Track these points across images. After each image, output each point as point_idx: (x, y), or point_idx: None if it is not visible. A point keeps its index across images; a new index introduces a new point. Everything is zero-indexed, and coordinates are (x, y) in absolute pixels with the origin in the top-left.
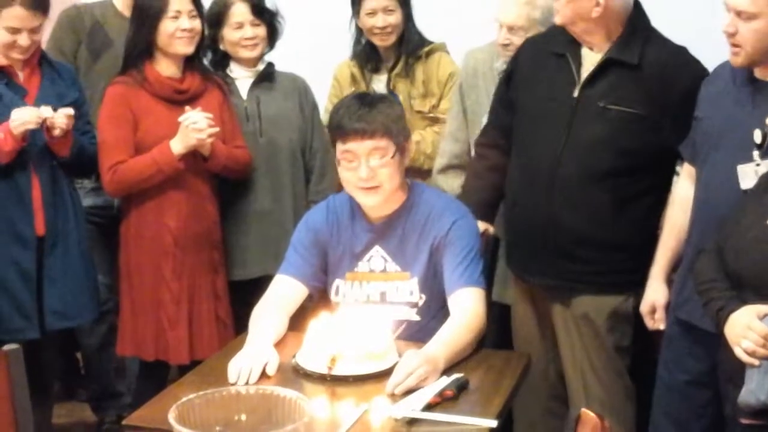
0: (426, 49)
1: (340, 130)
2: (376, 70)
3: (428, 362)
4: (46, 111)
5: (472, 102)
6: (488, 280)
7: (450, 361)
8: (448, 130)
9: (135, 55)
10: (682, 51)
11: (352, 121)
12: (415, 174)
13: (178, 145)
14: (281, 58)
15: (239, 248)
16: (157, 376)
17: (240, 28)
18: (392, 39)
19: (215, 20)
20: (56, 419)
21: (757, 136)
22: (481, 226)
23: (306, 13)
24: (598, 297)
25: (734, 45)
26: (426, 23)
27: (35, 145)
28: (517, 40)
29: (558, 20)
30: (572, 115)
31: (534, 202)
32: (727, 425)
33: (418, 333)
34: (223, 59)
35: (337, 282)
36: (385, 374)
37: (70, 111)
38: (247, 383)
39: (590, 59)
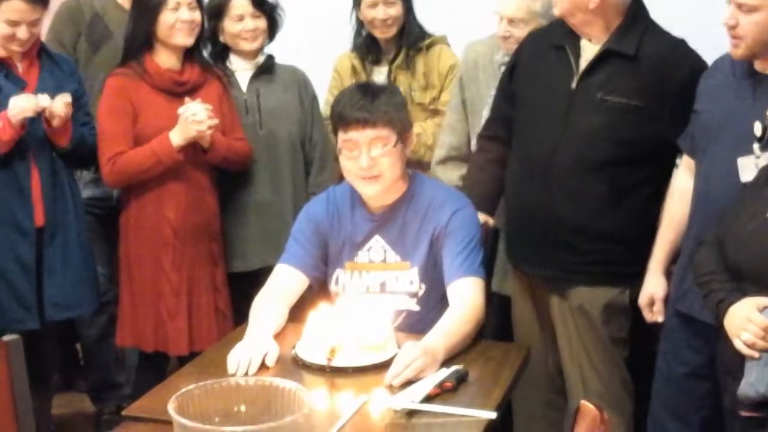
0: (427, 41)
1: (341, 119)
2: (377, 62)
3: (427, 354)
4: (43, 99)
5: (472, 94)
6: (488, 272)
7: (449, 352)
8: (447, 122)
9: (135, 47)
10: (680, 43)
11: (353, 110)
12: (415, 166)
13: (177, 137)
14: (281, 51)
15: (239, 240)
16: (156, 367)
17: (240, 20)
18: (393, 31)
19: (215, 12)
20: (55, 410)
21: (758, 128)
22: (482, 217)
23: (306, 5)
24: (594, 288)
25: (734, 37)
26: (426, 16)
27: (35, 136)
28: (518, 32)
29: (557, 11)
30: (570, 106)
31: (532, 193)
32: (725, 417)
33: (418, 323)
34: (222, 51)
35: (337, 272)
36: (385, 365)
37: (68, 98)
38: (246, 374)
39: (589, 51)
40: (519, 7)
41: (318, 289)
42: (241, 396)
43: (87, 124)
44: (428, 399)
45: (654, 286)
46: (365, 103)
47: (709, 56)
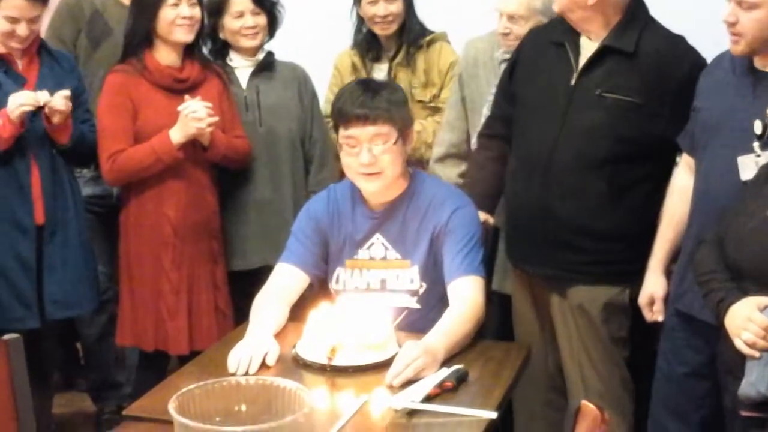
0: (427, 38)
1: (342, 115)
2: (377, 59)
3: (427, 353)
4: (42, 95)
5: (472, 91)
6: (488, 271)
7: (449, 351)
8: (446, 120)
9: (135, 44)
10: (679, 40)
11: (354, 107)
12: (416, 164)
13: (177, 134)
14: (281, 48)
15: (239, 238)
16: (156, 367)
17: (240, 17)
18: (393, 28)
19: (215, 9)
20: (56, 409)
21: (758, 127)
22: (482, 216)
23: (306, 2)
24: (593, 287)
25: (734, 34)
26: (426, 12)
27: (35, 133)
28: (518, 29)
29: (556, 7)
30: (569, 104)
31: (531, 190)
32: (726, 417)
33: (418, 322)
34: (222, 48)
35: (338, 270)
36: (385, 365)
37: (67, 93)
38: (247, 374)
39: (588, 48)
40: (519, 4)
41: (318, 288)
42: (241, 395)
43: (87, 122)
44: (429, 399)
45: (654, 285)
46: (366, 100)
47: (709, 53)
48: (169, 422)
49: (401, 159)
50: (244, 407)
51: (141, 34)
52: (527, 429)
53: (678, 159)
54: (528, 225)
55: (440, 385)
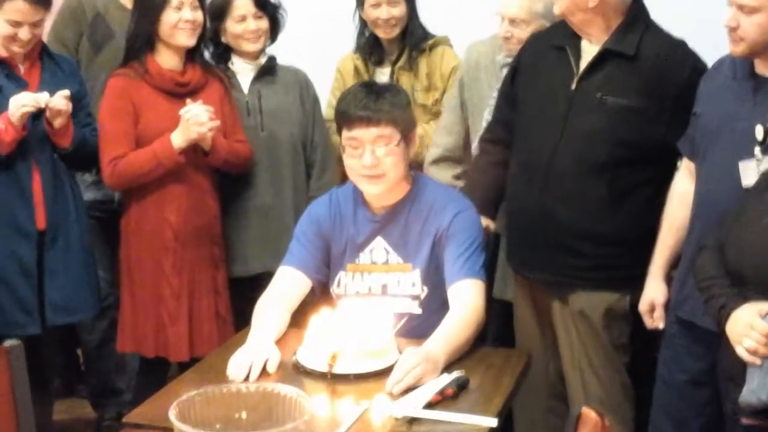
0: (429, 42)
1: (345, 117)
2: (380, 62)
3: (428, 360)
4: (42, 96)
5: (473, 95)
6: (489, 277)
7: (450, 358)
8: (443, 123)
9: (137, 47)
10: (680, 44)
11: (357, 109)
12: (418, 169)
13: (178, 139)
14: (283, 51)
15: (240, 243)
16: (157, 373)
17: (243, 21)
18: (396, 31)
19: (218, 13)
20: (56, 415)
21: (759, 132)
22: (483, 222)
23: (308, 6)
24: (594, 293)
25: (735, 39)
26: (428, 16)
27: (36, 138)
28: (519, 32)
29: (557, 10)
30: (569, 108)
31: (532, 195)
32: (726, 424)
33: (419, 326)
34: (224, 52)
35: (339, 274)
36: (386, 372)
37: (67, 92)
38: (246, 379)
39: (589, 52)
40: (521, 7)
41: (320, 294)
42: (242, 402)
43: (88, 125)
44: (429, 406)
45: (654, 291)
46: (369, 102)
47: (710, 56)
48: (170, 429)
49: (404, 161)
50: (244, 414)
51: (143, 38)
52: None
53: (679, 164)
54: (528, 229)
55: (441, 392)
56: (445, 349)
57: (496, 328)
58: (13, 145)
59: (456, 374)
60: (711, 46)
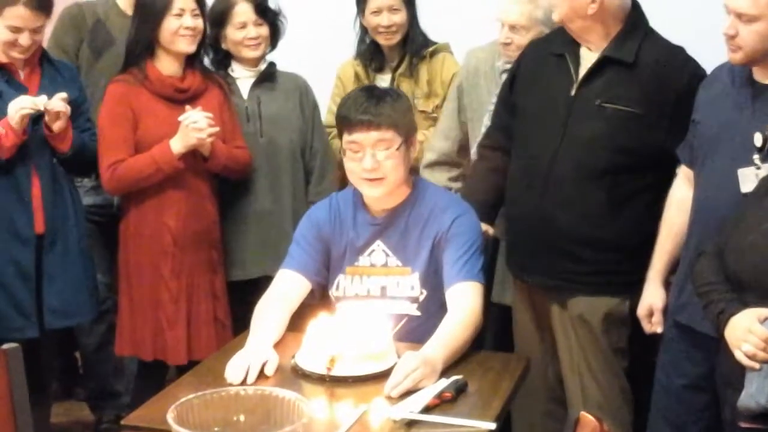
0: (430, 49)
1: (346, 121)
2: (380, 69)
3: (426, 364)
4: (41, 99)
5: (473, 101)
6: (487, 282)
7: (448, 361)
8: (440, 128)
9: (136, 53)
10: (679, 50)
11: (358, 113)
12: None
13: (178, 145)
14: (283, 58)
15: (238, 248)
16: (155, 376)
17: (243, 28)
18: (397, 38)
19: (218, 19)
20: (54, 418)
21: (758, 139)
22: (482, 227)
23: (308, 12)
24: (593, 298)
25: (734, 47)
26: (428, 23)
27: (36, 143)
28: (519, 39)
29: (556, 17)
30: (569, 114)
31: (531, 200)
32: (725, 429)
33: (418, 329)
34: (224, 59)
35: (339, 277)
36: (385, 375)
37: (65, 94)
38: (244, 382)
39: (588, 58)
40: (521, 14)
41: (319, 298)
42: (240, 405)
43: (88, 131)
44: (427, 409)
45: (653, 296)
46: (370, 106)
47: (709, 63)
48: None
49: (404, 165)
50: (242, 417)
51: (143, 44)
52: None
53: (677, 170)
54: (528, 235)
55: (439, 395)
56: (443, 352)
57: (494, 332)
58: (14, 149)
59: (454, 378)
60: (710, 54)
